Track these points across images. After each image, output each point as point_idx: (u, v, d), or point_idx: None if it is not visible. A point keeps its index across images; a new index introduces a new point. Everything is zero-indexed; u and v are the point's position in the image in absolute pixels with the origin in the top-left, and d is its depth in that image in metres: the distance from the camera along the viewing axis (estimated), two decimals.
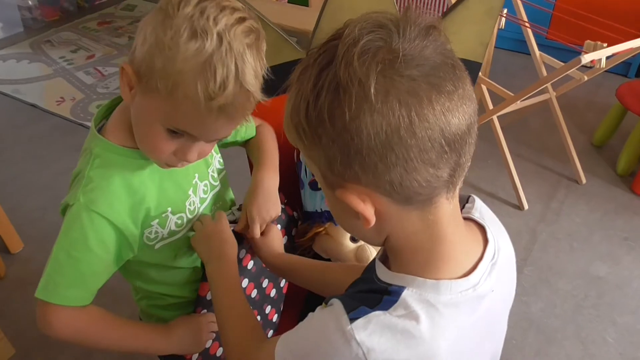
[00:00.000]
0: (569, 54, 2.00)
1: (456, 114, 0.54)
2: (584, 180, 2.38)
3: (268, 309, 1.12)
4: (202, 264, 0.94)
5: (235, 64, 0.71)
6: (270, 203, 0.98)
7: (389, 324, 0.56)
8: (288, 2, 3.02)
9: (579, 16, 2.15)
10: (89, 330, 0.85)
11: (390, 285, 0.60)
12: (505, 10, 2.15)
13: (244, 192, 1.00)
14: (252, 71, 0.74)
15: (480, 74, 1.73)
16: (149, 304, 1.01)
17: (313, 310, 0.64)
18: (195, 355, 1.00)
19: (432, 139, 0.53)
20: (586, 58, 1.77)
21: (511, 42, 3.18)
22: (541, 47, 2.33)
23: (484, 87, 2.19)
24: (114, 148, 0.82)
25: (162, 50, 0.71)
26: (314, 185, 1.17)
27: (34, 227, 2.10)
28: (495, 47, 3.00)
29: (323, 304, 0.63)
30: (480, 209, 0.69)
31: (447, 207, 0.59)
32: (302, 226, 1.21)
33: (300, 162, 1.21)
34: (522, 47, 2.70)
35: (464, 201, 0.70)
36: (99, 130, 0.84)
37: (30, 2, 3.63)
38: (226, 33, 0.71)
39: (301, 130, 0.57)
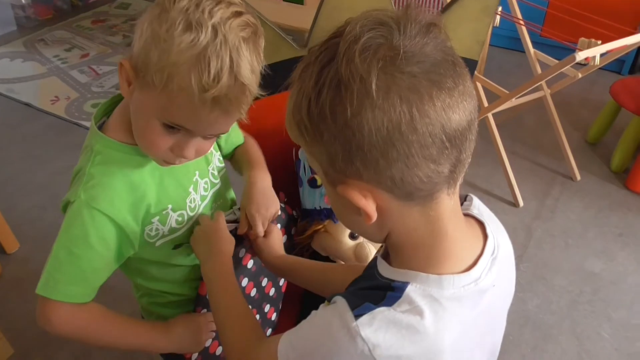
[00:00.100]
0: (563, 51, 2.01)
1: (457, 110, 0.54)
2: (578, 177, 2.39)
3: (267, 307, 1.12)
4: None
5: (230, 56, 0.72)
6: (268, 200, 0.98)
7: (394, 320, 0.57)
8: (283, 0, 3.02)
9: (573, 14, 2.16)
10: (89, 327, 0.86)
11: (393, 281, 0.60)
12: (499, 8, 2.16)
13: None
14: (248, 65, 0.74)
15: (475, 71, 1.74)
16: (150, 302, 1.01)
17: (310, 310, 0.64)
18: (195, 354, 1.00)
19: (433, 135, 0.53)
20: (580, 55, 1.78)
21: (506, 39, 3.19)
22: (535, 44, 2.34)
23: (479, 85, 2.20)
24: (115, 145, 0.83)
25: (157, 43, 0.71)
26: (312, 183, 1.18)
27: (29, 227, 2.10)
28: (490, 45, 3.01)
29: (326, 301, 0.63)
30: (479, 207, 0.70)
31: (448, 202, 0.59)
32: (300, 224, 1.21)
33: (299, 160, 1.21)
34: (516, 45, 2.70)
35: (462, 200, 0.70)
36: (100, 128, 0.85)
37: (23, 1, 3.61)
38: (221, 26, 0.71)
39: (303, 127, 0.57)
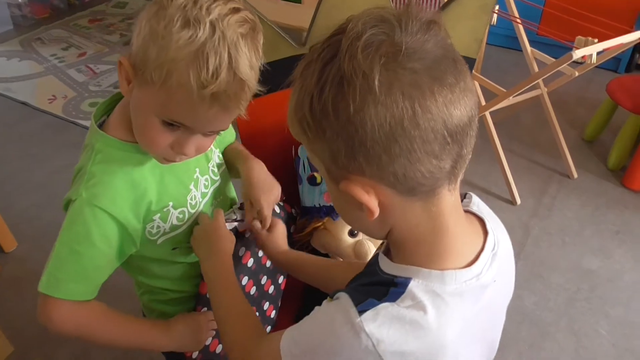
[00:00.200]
0: (560, 49, 2.01)
1: (458, 106, 0.55)
2: (575, 175, 2.40)
3: (266, 305, 1.12)
4: None
5: (229, 52, 0.72)
6: (269, 184, 0.98)
7: (398, 315, 0.57)
8: None
9: (569, 12, 2.17)
10: (90, 325, 0.86)
11: (396, 277, 0.60)
12: (497, 7, 2.16)
13: None
14: (247, 61, 0.74)
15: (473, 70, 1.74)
16: (151, 299, 1.01)
17: (312, 306, 0.65)
18: (196, 353, 1.01)
19: (434, 130, 0.54)
20: (577, 54, 1.79)
21: (503, 38, 3.20)
22: (532, 43, 2.35)
23: (476, 83, 2.20)
24: (116, 143, 0.83)
25: (155, 40, 0.72)
26: (312, 181, 1.18)
27: (27, 225, 2.10)
28: (487, 43, 3.02)
29: (328, 298, 0.64)
30: (478, 204, 0.70)
31: (449, 198, 0.60)
32: (300, 221, 1.21)
33: (298, 158, 1.22)
34: (513, 44, 2.71)
35: (462, 197, 0.70)
36: (100, 126, 0.85)
37: (19, 0, 3.61)
38: (219, 22, 0.71)
39: (305, 124, 0.57)
